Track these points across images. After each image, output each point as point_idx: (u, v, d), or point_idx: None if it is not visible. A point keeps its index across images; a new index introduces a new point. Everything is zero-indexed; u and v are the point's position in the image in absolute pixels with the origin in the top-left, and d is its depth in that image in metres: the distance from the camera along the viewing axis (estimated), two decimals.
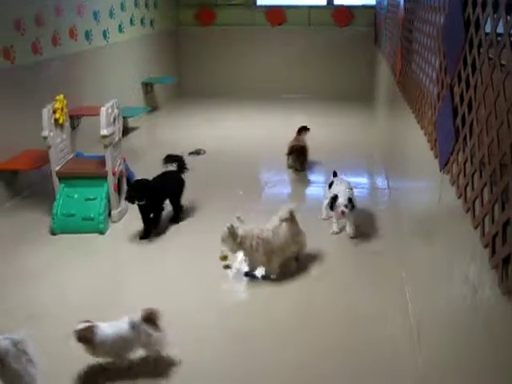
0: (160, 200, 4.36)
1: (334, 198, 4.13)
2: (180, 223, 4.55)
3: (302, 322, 3.26)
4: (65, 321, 3.24)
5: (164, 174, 4.54)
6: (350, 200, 4.13)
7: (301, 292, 3.59)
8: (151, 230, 4.32)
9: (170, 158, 4.66)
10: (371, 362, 2.88)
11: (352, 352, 2.97)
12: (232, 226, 3.47)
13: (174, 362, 2.84)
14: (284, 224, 3.62)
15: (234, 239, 3.49)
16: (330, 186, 4.50)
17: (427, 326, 2.76)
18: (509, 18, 1.71)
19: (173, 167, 4.63)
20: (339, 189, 4.27)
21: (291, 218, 3.64)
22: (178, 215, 4.60)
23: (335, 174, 4.69)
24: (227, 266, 3.83)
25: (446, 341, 2.31)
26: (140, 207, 4.25)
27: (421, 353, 2.80)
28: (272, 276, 3.67)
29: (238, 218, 3.60)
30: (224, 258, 3.82)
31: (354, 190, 4.50)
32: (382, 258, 3.98)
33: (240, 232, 3.49)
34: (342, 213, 4.09)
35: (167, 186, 4.47)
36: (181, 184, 4.60)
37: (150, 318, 2.73)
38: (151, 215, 4.32)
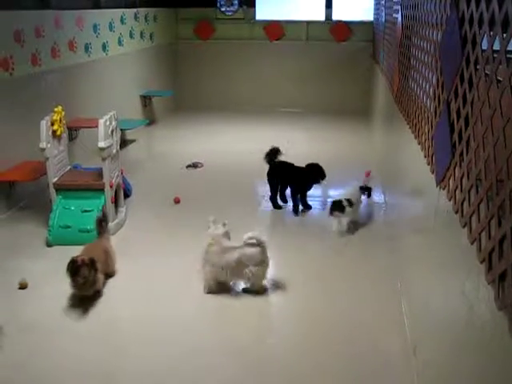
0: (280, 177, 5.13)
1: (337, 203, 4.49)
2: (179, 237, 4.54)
3: (292, 335, 3.24)
4: (58, 334, 3.23)
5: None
6: (349, 201, 4.52)
7: (293, 304, 3.58)
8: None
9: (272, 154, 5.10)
10: (365, 376, 2.86)
11: (345, 365, 2.94)
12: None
13: None
14: (239, 249, 3.59)
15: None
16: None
17: (423, 340, 2.75)
18: (505, 35, 1.72)
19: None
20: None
21: (257, 245, 3.59)
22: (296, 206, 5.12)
23: None
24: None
25: (441, 355, 2.29)
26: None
27: (416, 367, 2.78)
28: (204, 290, 3.66)
29: (213, 220, 3.71)
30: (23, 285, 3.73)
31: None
32: (377, 271, 3.97)
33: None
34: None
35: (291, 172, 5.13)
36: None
37: None
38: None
